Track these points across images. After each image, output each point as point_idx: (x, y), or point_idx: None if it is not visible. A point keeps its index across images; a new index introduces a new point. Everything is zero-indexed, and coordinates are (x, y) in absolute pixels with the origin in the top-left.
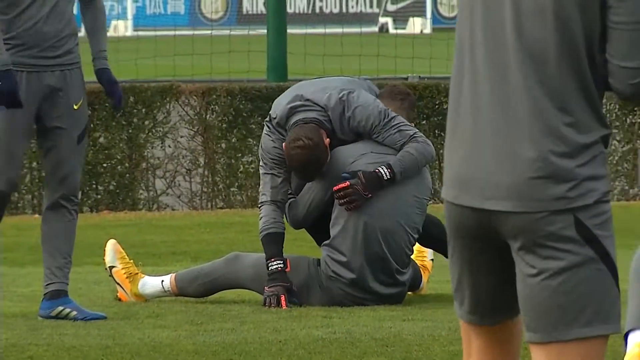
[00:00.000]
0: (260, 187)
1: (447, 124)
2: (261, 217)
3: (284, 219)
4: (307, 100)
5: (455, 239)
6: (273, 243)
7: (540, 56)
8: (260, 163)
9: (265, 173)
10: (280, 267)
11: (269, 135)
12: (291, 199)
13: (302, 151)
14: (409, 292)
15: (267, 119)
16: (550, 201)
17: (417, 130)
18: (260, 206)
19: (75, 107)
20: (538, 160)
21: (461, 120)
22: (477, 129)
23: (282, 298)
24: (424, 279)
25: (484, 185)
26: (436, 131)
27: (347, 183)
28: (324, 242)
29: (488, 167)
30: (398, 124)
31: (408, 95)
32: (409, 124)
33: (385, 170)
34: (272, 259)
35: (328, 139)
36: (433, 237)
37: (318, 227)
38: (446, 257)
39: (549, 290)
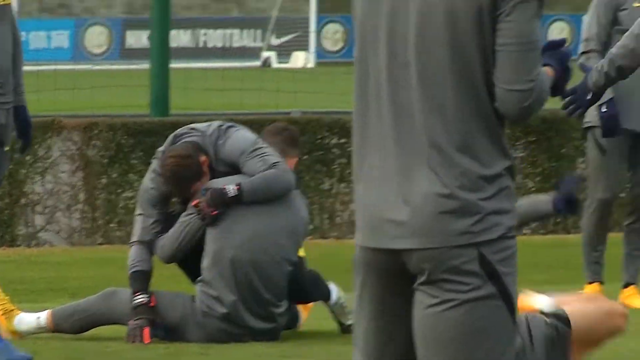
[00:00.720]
0: (133, 227)
1: (353, 164)
2: (129, 257)
3: (152, 257)
4: (192, 128)
5: (364, 284)
6: (138, 280)
7: (439, 90)
8: (137, 203)
9: (138, 214)
10: (144, 301)
11: (150, 174)
12: (162, 235)
13: (174, 160)
14: (288, 329)
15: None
16: (455, 236)
17: (283, 160)
18: (130, 246)
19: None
20: (441, 196)
21: (367, 160)
22: (381, 168)
23: (145, 331)
24: (304, 315)
25: (390, 225)
26: (318, 165)
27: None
28: (198, 278)
29: (393, 205)
30: (263, 153)
31: (285, 129)
32: (274, 153)
33: (233, 187)
34: (136, 294)
35: (205, 158)
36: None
37: (192, 263)
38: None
39: (448, 322)
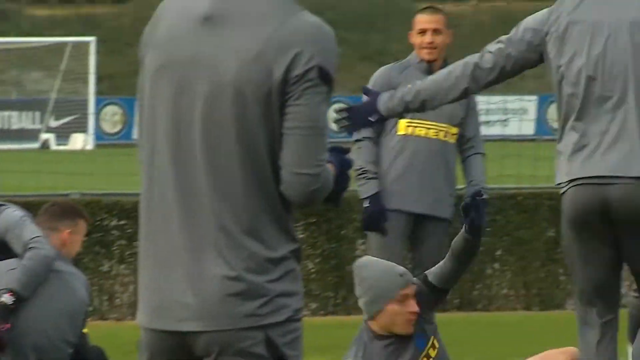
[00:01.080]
0: None
1: (139, 246)
2: None
3: None
4: None
5: None
6: None
7: (226, 172)
8: None
9: None
10: None
11: None
12: None
13: None
14: None
15: None
16: (241, 318)
17: (41, 235)
18: None
19: None
20: (228, 278)
21: (152, 242)
22: (168, 250)
23: None
24: None
25: (176, 307)
26: (97, 247)
27: None
28: None
29: (179, 288)
30: (22, 230)
31: (52, 205)
32: (32, 230)
33: (7, 296)
34: None
35: None
36: None
37: None
38: None
39: None
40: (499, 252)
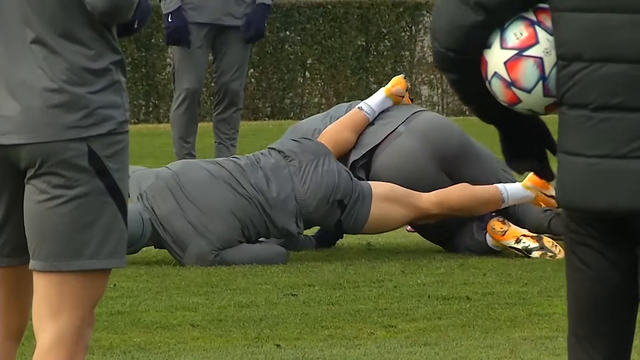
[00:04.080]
0: None
1: None
2: None
3: None
4: None
5: None
6: None
7: None
8: None
9: None
10: None
11: None
12: None
13: None
14: None
15: None
16: (63, 130)
17: None
18: None
19: None
20: (47, 90)
21: None
22: None
23: None
24: None
25: (0, 120)
26: None
27: None
28: None
29: (2, 101)
30: None
31: None
32: None
33: None
34: None
35: None
36: None
37: None
38: None
39: (56, 217)
40: (309, 61)
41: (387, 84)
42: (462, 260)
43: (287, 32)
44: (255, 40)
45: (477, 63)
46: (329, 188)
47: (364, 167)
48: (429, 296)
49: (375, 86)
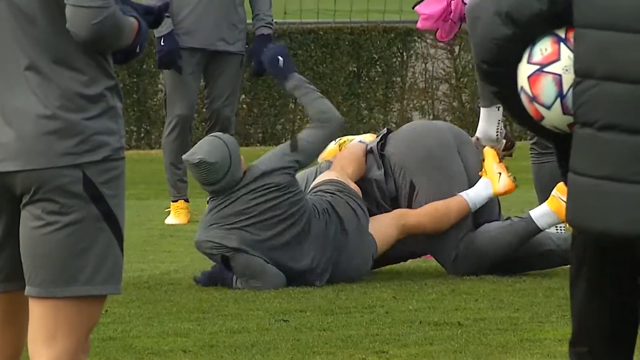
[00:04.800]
0: None
1: None
2: None
3: None
4: None
5: None
6: None
7: (28, 12)
8: None
9: None
10: None
11: None
12: None
13: None
14: None
15: None
16: (58, 156)
17: None
18: None
19: None
20: (41, 116)
21: None
22: None
23: None
24: None
25: None
26: None
27: None
28: None
29: None
30: None
31: None
32: None
33: None
34: None
35: None
36: None
37: None
38: None
39: (50, 243)
40: None
41: (378, 109)
42: (454, 286)
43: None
44: (261, 74)
45: (514, 77)
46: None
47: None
48: (420, 322)
49: (366, 112)
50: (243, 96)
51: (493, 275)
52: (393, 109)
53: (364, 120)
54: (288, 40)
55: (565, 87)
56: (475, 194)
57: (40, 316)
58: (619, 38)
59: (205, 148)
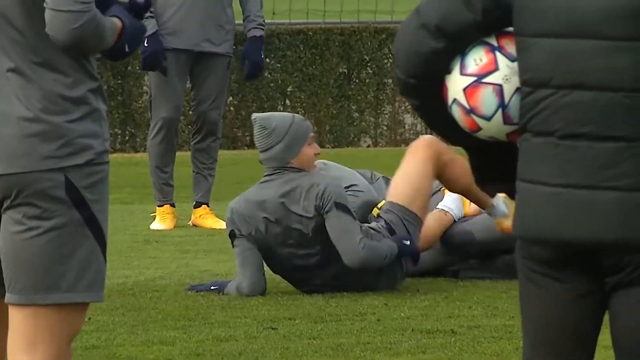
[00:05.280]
0: None
1: None
2: None
3: None
4: None
5: None
6: None
7: (9, 14)
8: None
9: None
10: None
11: None
12: None
13: None
14: None
15: None
16: (40, 160)
17: None
18: None
19: None
20: (23, 119)
21: None
22: None
23: None
24: None
25: None
26: None
27: None
28: None
29: None
30: None
31: None
32: None
33: None
34: None
35: None
36: None
37: None
38: None
39: (32, 249)
40: (289, 89)
41: (369, 111)
42: (447, 293)
43: (267, 60)
44: (255, 76)
45: (439, 89)
46: None
47: None
48: (412, 330)
49: (357, 114)
50: (230, 98)
51: (488, 281)
52: (384, 112)
53: (355, 123)
54: (277, 41)
55: (507, 97)
56: (451, 202)
57: (20, 324)
58: (578, 45)
59: (274, 114)
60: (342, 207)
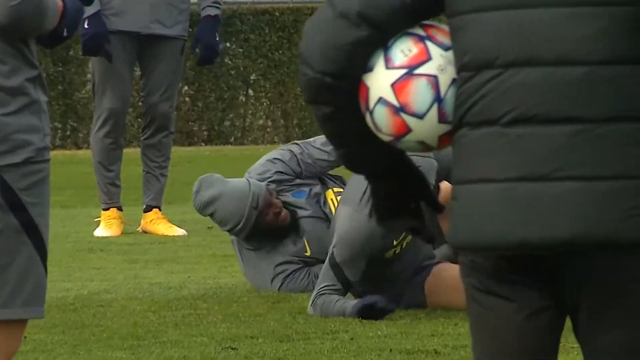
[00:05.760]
0: None
1: None
2: None
3: None
4: None
5: None
6: None
7: None
8: None
9: None
10: None
11: None
12: None
13: None
14: None
15: None
16: None
17: None
18: None
19: None
20: None
21: None
22: None
23: None
24: None
25: None
26: None
27: None
28: None
29: None
30: None
31: None
32: None
33: None
34: None
35: None
36: None
37: None
38: None
39: None
40: (253, 77)
41: None
42: (429, 309)
43: (228, 44)
44: (210, 61)
45: (357, 91)
46: None
47: None
48: (390, 350)
49: None
50: (185, 88)
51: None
52: None
53: None
54: (238, 22)
55: (443, 90)
56: None
57: None
58: (528, 16)
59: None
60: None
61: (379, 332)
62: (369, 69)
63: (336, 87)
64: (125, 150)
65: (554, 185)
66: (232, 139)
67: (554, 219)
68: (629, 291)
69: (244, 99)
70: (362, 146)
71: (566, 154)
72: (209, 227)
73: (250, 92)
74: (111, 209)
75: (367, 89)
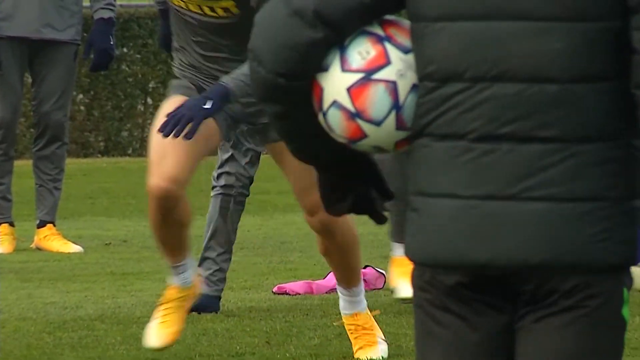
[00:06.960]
0: None
1: None
2: None
3: None
4: None
5: None
6: None
7: None
8: None
9: None
10: None
11: None
12: None
13: None
14: None
15: None
16: None
17: None
18: None
19: None
20: None
21: None
22: None
23: None
24: None
25: None
26: None
27: None
28: None
29: None
30: None
31: None
32: None
33: None
34: None
35: None
36: None
37: None
38: None
39: None
40: (151, 85)
41: None
42: (341, 329)
43: (125, 49)
44: (104, 66)
45: (310, 90)
46: None
47: None
48: None
49: None
50: (80, 96)
51: (391, 314)
52: None
53: None
54: (136, 26)
55: (402, 96)
56: None
57: None
58: (500, 28)
59: None
60: None
61: (287, 354)
62: (323, 68)
63: (290, 87)
64: (17, 163)
65: (522, 205)
66: (130, 150)
67: (522, 239)
68: (580, 306)
69: (142, 108)
70: (314, 142)
71: (536, 173)
72: (106, 244)
73: (149, 100)
74: (2, 224)
75: (321, 89)
